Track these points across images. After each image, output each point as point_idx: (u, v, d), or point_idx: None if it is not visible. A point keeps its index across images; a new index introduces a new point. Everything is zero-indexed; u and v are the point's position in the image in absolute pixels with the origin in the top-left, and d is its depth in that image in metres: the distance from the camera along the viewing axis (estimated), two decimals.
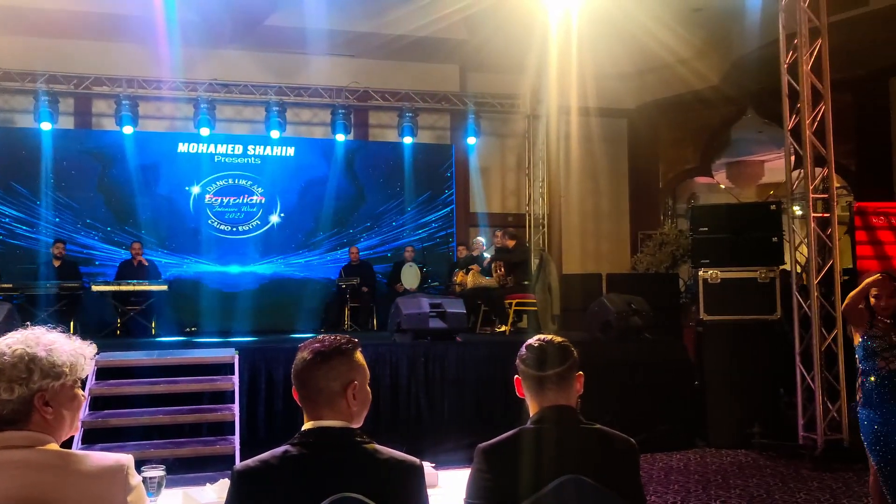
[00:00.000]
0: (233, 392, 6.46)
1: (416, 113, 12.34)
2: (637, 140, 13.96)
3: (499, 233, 10.58)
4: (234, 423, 6.24)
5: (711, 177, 16.51)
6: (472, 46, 11.92)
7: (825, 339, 7.14)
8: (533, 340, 2.20)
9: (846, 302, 4.55)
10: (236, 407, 6.33)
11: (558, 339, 2.20)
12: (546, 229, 12.99)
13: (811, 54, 7.26)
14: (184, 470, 5.60)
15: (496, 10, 9.83)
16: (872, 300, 4.41)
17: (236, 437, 6.13)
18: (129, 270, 10.21)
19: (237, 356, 6.65)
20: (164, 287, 9.75)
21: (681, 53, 11.34)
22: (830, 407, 7.09)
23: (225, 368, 6.67)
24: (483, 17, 10.47)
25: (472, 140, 12.81)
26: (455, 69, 12.94)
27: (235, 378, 6.51)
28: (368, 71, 12.29)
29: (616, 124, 13.72)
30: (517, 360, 2.21)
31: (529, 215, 13.18)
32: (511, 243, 9.96)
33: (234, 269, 11.92)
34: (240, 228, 12.12)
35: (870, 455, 4.34)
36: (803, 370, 7.26)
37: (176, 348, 7.76)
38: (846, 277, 7.64)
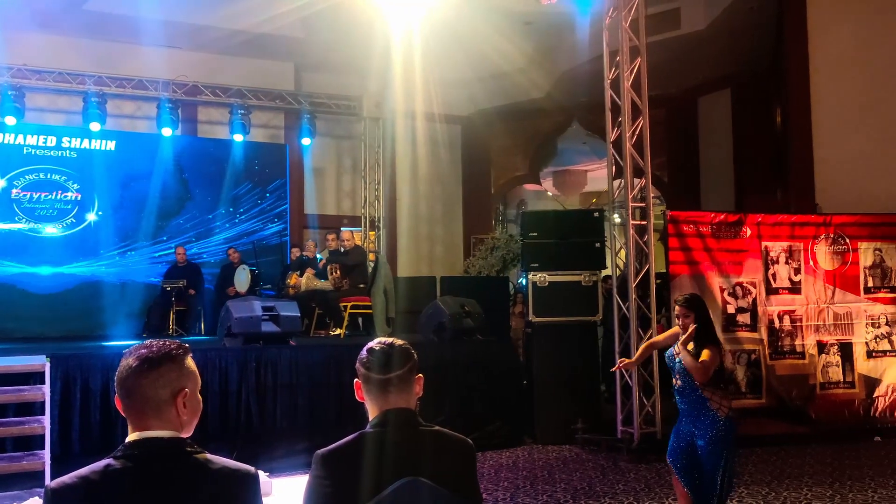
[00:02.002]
0: (43, 403, 6.00)
1: (249, 110, 11.99)
2: (471, 146, 14.33)
3: (331, 235, 10.48)
4: (44, 436, 5.82)
5: (539, 184, 17.25)
6: (308, 46, 11.76)
7: (642, 338, 7.61)
8: (374, 343, 2.18)
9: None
10: (47, 419, 5.89)
11: (399, 341, 2.19)
12: (382, 232, 13.03)
13: (632, 71, 7.73)
14: None
15: (334, 11, 9.74)
16: (678, 320, 4.67)
17: (46, 452, 5.73)
18: None
19: (48, 364, 6.16)
20: None
21: (516, 63, 11.75)
22: (646, 402, 7.57)
23: (34, 377, 6.18)
24: (321, 17, 10.35)
25: (306, 140, 12.63)
26: (290, 67, 12.70)
27: (46, 388, 6.04)
28: (198, 64, 11.77)
29: (452, 130, 14.00)
30: (358, 364, 2.17)
31: (365, 217, 13.17)
32: (349, 245, 9.90)
33: (45, 270, 11.04)
34: (52, 227, 11.24)
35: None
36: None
37: None
38: (659, 281, 8.21)
